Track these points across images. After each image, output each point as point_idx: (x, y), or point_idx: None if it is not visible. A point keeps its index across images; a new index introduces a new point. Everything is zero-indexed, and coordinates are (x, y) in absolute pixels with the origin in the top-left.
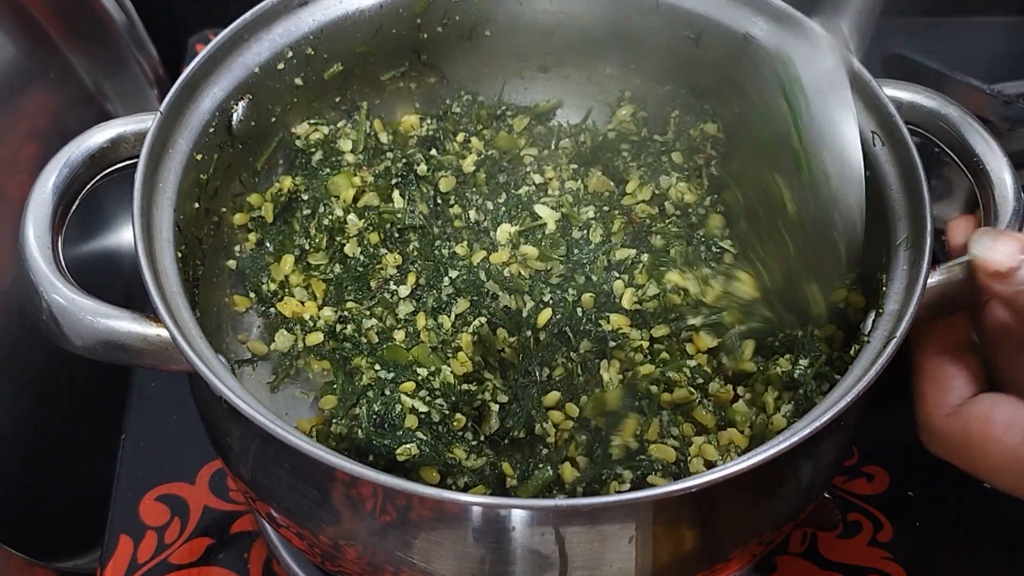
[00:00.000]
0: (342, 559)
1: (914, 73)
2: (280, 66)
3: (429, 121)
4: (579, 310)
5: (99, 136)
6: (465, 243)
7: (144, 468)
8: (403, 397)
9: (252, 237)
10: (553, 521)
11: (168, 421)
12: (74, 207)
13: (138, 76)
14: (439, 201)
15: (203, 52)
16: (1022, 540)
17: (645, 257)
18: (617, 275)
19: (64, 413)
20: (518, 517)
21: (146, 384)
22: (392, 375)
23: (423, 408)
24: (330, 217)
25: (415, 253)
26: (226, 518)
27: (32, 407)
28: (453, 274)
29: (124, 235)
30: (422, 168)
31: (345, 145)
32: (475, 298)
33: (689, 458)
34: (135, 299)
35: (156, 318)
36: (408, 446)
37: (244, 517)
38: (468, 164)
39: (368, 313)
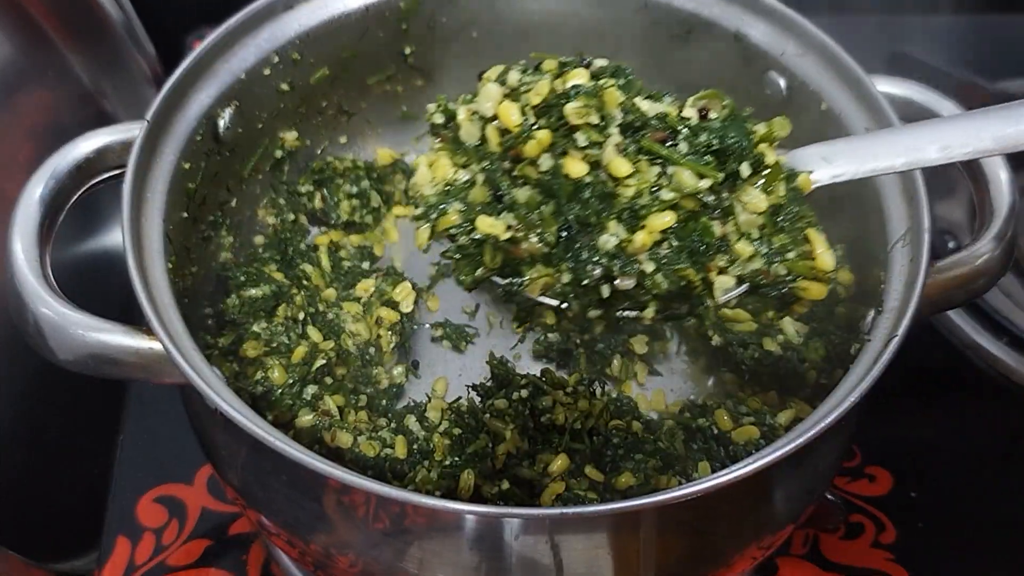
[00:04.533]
0: (334, 567)
1: (918, 71)
2: (266, 71)
3: None
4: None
5: (84, 146)
6: None
7: (142, 469)
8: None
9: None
10: (549, 530)
11: (166, 422)
12: (61, 218)
13: (136, 75)
14: None
15: (188, 59)
16: (1023, 540)
17: None
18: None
19: (62, 414)
20: (514, 526)
21: (144, 385)
22: None
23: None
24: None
25: None
26: (224, 520)
27: (31, 408)
28: None
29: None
30: None
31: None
32: None
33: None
34: (134, 300)
35: (148, 331)
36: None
37: (242, 519)
38: None
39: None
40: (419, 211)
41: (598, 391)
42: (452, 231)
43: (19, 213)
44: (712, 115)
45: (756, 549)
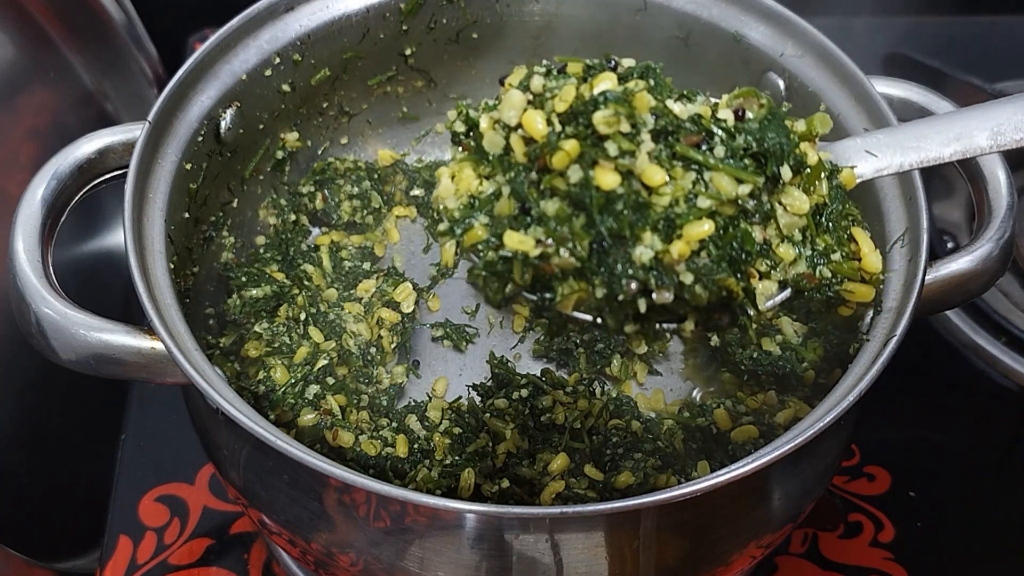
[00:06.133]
0: (335, 566)
1: (915, 72)
2: (267, 72)
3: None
4: None
5: (87, 147)
6: None
7: (143, 468)
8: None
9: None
10: (549, 528)
11: (167, 421)
12: (63, 218)
13: (138, 75)
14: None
15: (190, 60)
16: (1022, 540)
17: None
18: None
19: (64, 413)
20: (514, 525)
21: (145, 385)
22: None
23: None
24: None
25: None
26: (226, 519)
27: (32, 407)
28: None
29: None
30: None
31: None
32: None
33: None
34: (134, 299)
35: (150, 331)
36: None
37: (244, 518)
38: None
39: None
40: (443, 227)
41: (598, 391)
42: (479, 246)
43: (21, 213)
44: (749, 115)
45: (755, 548)
